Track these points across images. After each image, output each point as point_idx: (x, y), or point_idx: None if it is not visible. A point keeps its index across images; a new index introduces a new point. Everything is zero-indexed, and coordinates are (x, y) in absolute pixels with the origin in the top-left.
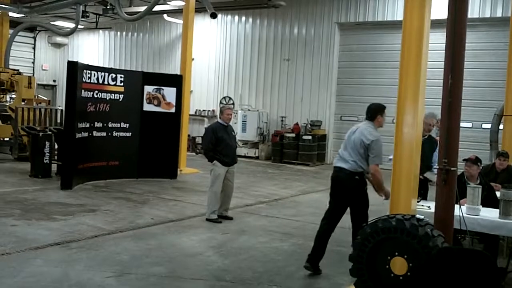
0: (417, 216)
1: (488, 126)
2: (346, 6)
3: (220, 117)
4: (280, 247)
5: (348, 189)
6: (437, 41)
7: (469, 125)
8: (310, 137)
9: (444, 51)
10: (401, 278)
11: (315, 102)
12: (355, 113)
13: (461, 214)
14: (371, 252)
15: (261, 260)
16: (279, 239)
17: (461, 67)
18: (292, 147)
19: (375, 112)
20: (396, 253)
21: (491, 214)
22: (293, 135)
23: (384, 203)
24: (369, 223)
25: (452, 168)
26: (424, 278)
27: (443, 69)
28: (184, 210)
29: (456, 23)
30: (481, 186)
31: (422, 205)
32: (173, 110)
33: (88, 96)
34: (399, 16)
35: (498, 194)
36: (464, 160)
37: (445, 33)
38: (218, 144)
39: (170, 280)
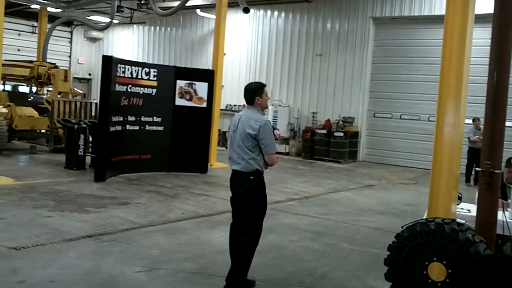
0: (458, 220)
1: None
2: (381, 1)
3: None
4: (311, 246)
5: (244, 193)
6: (480, 36)
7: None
8: (341, 134)
9: (488, 47)
10: (439, 284)
11: (347, 98)
12: (389, 110)
13: (504, 219)
14: (408, 256)
15: (291, 259)
16: (310, 238)
17: (507, 64)
18: (323, 143)
19: (252, 95)
20: (435, 259)
21: None
22: (324, 131)
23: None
24: (406, 226)
25: (496, 171)
26: (464, 286)
27: (487, 66)
28: (214, 205)
29: (503, 18)
30: None
31: (462, 208)
32: (204, 104)
33: (122, 90)
34: (437, 11)
35: None
36: (506, 162)
37: (488, 29)
38: None
39: (199, 277)
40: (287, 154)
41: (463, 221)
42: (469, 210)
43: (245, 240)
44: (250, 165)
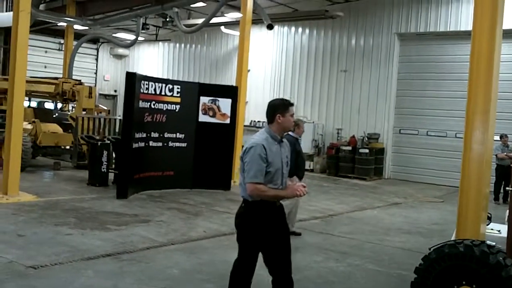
0: (488, 242)
1: None
2: (406, 17)
3: (295, 130)
4: (336, 267)
5: (235, 216)
6: (508, 52)
7: None
8: (367, 150)
9: None
10: None
11: (372, 115)
12: (415, 126)
13: None
14: (436, 279)
15: (316, 281)
16: (335, 258)
17: None
18: (348, 160)
19: (272, 112)
20: (464, 282)
21: None
22: (349, 148)
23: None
24: (434, 247)
25: None
26: None
27: None
28: None
29: None
30: None
31: (492, 229)
32: (227, 121)
33: (145, 106)
34: (463, 26)
35: None
36: None
37: None
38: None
39: None
40: (312, 171)
41: (494, 243)
42: (499, 231)
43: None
44: (243, 191)
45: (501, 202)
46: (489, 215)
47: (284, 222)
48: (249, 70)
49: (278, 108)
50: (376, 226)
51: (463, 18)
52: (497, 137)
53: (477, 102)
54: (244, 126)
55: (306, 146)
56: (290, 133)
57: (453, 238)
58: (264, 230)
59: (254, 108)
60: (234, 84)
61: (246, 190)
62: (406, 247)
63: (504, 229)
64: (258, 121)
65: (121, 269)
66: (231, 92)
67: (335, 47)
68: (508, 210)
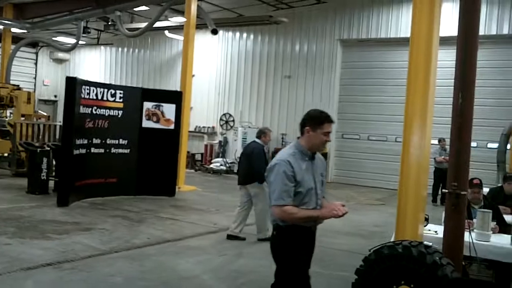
0: (425, 243)
1: (494, 145)
2: (348, 23)
3: (261, 138)
4: None
5: (272, 251)
6: (445, 58)
7: (474, 144)
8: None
9: (453, 69)
10: None
11: None
12: (357, 131)
13: (471, 241)
14: (376, 280)
15: (261, 285)
16: None
17: (472, 86)
18: None
19: (303, 124)
20: (402, 282)
21: (502, 240)
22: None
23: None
24: (374, 249)
25: (462, 192)
26: None
27: (452, 87)
28: (181, 230)
29: (467, 41)
30: (491, 211)
31: (429, 230)
32: (172, 126)
33: (87, 112)
34: (403, 33)
35: (506, 217)
36: (469, 183)
37: (453, 51)
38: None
39: None
40: None
41: (431, 244)
42: (436, 232)
43: None
44: (272, 216)
45: (439, 204)
46: (427, 217)
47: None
48: (193, 75)
49: (309, 120)
50: (319, 229)
51: (403, 25)
52: (435, 141)
53: (415, 107)
54: (189, 131)
55: None
56: (256, 140)
57: (392, 239)
58: (301, 258)
59: (199, 114)
60: (178, 89)
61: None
62: (348, 249)
63: (440, 230)
64: (203, 127)
65: (62, 278)
66: (176, 98)
67: (279, 52)
68: (444, 212)
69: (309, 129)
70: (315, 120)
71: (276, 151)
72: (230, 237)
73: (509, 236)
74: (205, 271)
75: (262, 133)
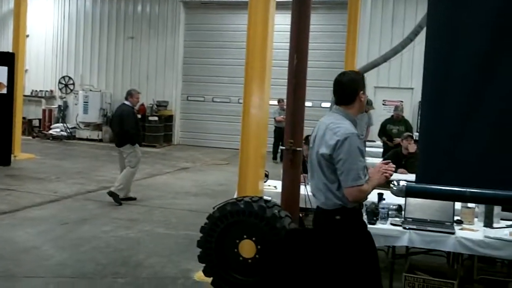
0: (265, 197)
1: (327, 105)
2: None
3: (128, 99)
4: (126, 235)
5: (330, 240)
6: (281, 22)
7: (310, 104)
8: (156, 118)
9: (288, 33)
10: (249, 261)
11: (161, 82)
12: (202, 93)
13: (306, 193)
14: (220, 236)
15: (105, 251)
16: (125, 226)
17: (305, 49)
18: None
19: (353, 90)
20: (245, 236)
21: None
22: (139, 116)
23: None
24: (217, 206)
25: (298, 148)
26: (272, 260)
27: (288, 51)
28: (18, 200)
29: (301, 6)
30: None
31: (269, 185)
32: (4, 91)
33: None
34: None
35: None
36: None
37: (289, 15)
38: (137, 126)
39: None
40: (100, 140)
41: (270, 198)
42: (275, 187)
43: None
44: (327, 199)
45: (279, 161)
46: (267, 173)
47: None
48: (28, 36)
49: (362, 84)
50: (165, 191)
51: None
52: (275, 102)
53: (253, 69)
54: (24, 96)
55: (93, 115)
56: (125, 102)
57: (235, 196)
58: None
59: (35, 77)
60: (10, 51)
61: (339, 197)
62: (194, 208)
63: (279, 185)
64: (40, 91)
65: None
66: (7, 59)
67: (120, 13)
68: (282, 168)
69: (362, 92)
70: (363, 82)
71: None
72: (111, 194)
73: None
74: (45, 242)
75: (129, 94)
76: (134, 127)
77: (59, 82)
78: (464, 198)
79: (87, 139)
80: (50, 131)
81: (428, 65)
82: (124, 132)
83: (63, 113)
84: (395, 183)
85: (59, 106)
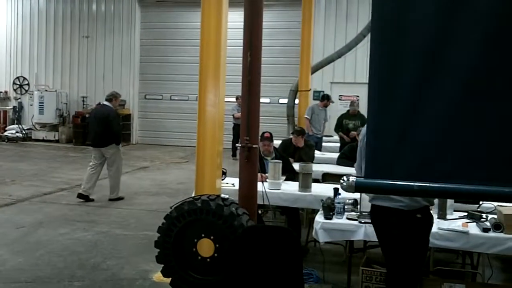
0: (222, 195)
1: (285, 101)
2: None
3: (112, 101)
4: (83, 237)
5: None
6: (235, 20)
7: (268, 100)
8: None
9: (242, 30)
10: (208, 260)
11: (118, 81)
12: (160, 92)
13: (264, 190)
14: (178, 236)
15: (62, 254)
16: (82, 228)
17: (259, 46)
18: None
19: None
20: (203, 235)
21: (291, 187)
22: None
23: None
24: (175, 206)
25: (254, 146)
26: (230, 258)
27: (242, 48)
28: None
29: (253, 3)
30: (281, 161)
31: (227, 183)
32: None
33: None
34: None
35: (295, 165)
36: (260, 136)
37: (242, 12)
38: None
39: None
40: (57, 141)
41: (227, 196)
42: (233, 184)
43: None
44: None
45: (238, 158)
46: (224, 171)
47: None
48: None
49: None
50: (124, 192)
51: None
52: (233, 99)
53: (208, 66)
54: None
55: (49, 116)
56: (107, 103)
57: (193, 195)
58: None
59: None
60: None
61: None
62: (153, 208)
63: (237, 182)
64: None
65: None
66: None
67: (75, 12)
68: (239, 165)
69: None
70: None
71: None
72: (81, 196)
73: (297, 183)
74: (0, 246)
75: (113, 96)
76: (121, 128)
77: (14, 83)
78: (412, 192)
79: (43, 140)
80: (5, 133)
81: (374, 59)
82: (112, 133)
83: (18, 114)
84: (345, 178)
85: (14, 107)
